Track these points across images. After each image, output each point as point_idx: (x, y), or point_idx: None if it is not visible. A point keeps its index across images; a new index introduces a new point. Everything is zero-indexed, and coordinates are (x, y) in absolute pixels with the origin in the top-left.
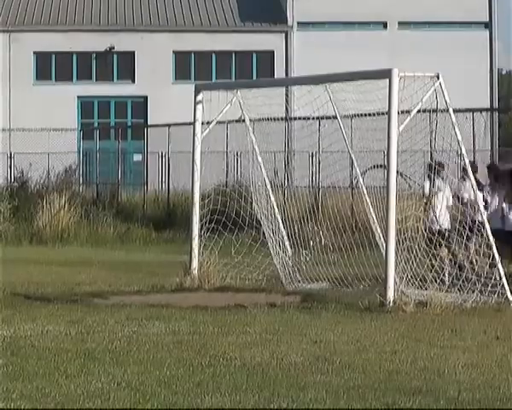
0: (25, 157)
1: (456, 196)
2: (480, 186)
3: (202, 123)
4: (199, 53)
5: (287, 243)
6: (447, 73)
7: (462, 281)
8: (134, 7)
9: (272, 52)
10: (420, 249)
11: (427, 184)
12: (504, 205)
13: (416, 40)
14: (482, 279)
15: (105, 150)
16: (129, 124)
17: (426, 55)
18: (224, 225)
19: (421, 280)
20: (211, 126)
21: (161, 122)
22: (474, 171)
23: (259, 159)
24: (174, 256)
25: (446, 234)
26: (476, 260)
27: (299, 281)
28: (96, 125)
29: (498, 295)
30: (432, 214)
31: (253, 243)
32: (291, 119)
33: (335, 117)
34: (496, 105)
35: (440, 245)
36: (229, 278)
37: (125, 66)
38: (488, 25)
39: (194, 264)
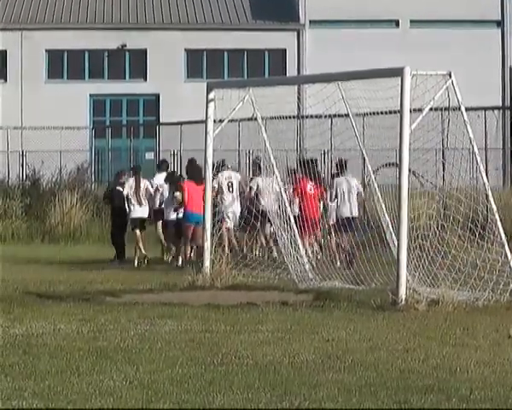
0: (37, 155)
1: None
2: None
3: (214, 121)
4: (211, 51)
5: (299, 241)
6: (459, 71)
7: (474, 279)
8: (146, 4)
9: (284, 50)
10: (432, 247)
11: None
12: None
13: (428, 38)
14: (494, 277)
15: (117, 148)
16: (141, 122)
17: (438, 53)
18: None
19: (433, 278)
20: (223, 124)
21: (173, 120)
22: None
23: (271, 157)
24: None
25: None
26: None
27: (311, 279)
28: (107, 123)
29: (510, 293)
30: None
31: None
32: (303, 117)
33: (347, 115)
34: (508, 103)
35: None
36: (241, 276)
37: (137, 64)
38: (500, 23)
39: (207, 262)
